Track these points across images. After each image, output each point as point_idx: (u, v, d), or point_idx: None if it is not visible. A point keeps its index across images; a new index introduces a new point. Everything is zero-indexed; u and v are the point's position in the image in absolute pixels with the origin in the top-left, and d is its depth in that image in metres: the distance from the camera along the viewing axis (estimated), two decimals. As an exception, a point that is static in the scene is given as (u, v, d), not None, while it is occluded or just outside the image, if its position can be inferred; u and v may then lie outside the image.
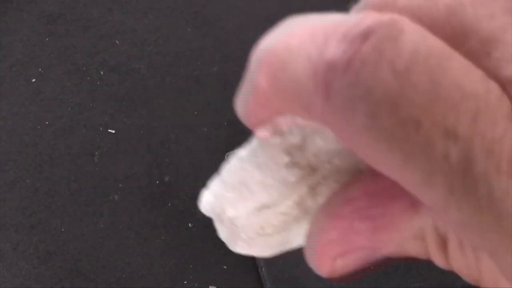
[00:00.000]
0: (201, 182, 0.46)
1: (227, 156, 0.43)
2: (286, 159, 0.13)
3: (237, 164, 0.13)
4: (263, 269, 0.42)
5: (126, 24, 0.45)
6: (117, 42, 0.45)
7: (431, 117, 0.10)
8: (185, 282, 0.42)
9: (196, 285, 0.42)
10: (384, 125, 0.10)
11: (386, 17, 0.10)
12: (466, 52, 0.11)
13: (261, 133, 0.13)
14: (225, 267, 0.42)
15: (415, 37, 0.10)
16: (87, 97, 0.44)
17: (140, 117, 0.44)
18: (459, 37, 0.11)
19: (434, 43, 0.10)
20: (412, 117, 0.10)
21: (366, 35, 0.10)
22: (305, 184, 0.13)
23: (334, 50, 0.10)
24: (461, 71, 0.10)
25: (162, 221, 0.42)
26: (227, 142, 0.44)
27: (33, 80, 0.44)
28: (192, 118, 0.44)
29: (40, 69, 0.44)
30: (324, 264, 0.14)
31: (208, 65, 0.45)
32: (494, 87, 0.10)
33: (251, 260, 0.43)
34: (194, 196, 0.43)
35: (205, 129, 0.44)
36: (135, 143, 0.43)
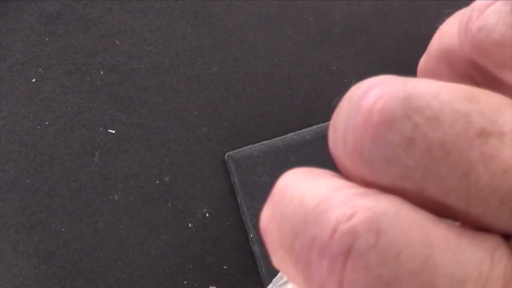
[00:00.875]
0: (201, 182, 0.46)
1: (227, 156, 0.43)
2: None
3: None
4: (263, 269, 0.42)
5: (126, 24, 0.45)
6: (117, 42, 0.45)
7: None
8: (185, 282, 0.42)
9: (196, 285, 0.42)
10: None
11: (359, 217, 0.10)
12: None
13: None
14: (225, 267, 0.42)
15: (393, 234, 0.10)
16: (87, 97, 0.44)
17: (140, 117, 0.44)
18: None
19: (413, 232, 0.10)
20: None
21: (345, 252, 0.10)
22: None
23: (319, 268, 0.10)
24: (447, 255, 0.10)
25: (162, 221, 0.42)
26: (226, 142, 0.44)
27: (33, 80, 0.44)
28: (192, 118, 0.44)
29: (40, 69, 0.44)
30: None
31: (208, 65, 0.45)
32: (486, 259, 0.10)
33: (252, 261, 0.43)
34: (194, 196, 0.43)
35: (205, 129, 0.44)
36: (135, 143, 0.43)
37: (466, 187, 0.10)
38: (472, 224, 0.11)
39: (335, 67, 0.47)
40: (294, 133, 0.44)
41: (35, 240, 0.41)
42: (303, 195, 0.11)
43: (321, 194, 0.11)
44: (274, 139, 0.43)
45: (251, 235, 0.42)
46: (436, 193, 0.10)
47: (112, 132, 0.43)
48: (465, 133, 0.10)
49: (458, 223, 0.11)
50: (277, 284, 0.17)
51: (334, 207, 0.10)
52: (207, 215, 0.43)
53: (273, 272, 0.42)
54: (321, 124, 0.44)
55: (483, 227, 0.11)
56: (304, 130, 0.44)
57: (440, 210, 0.10)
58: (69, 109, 0.44)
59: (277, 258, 0.12)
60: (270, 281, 0.42)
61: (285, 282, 0.16)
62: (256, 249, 0.42)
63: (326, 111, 0.45)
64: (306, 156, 0.42)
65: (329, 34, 0.47)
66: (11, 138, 0.43)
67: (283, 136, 0.44)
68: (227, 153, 0.43)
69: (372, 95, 0.11)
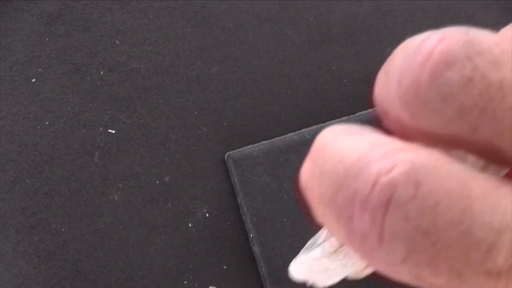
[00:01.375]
0: (201, 182, 0.46)
1: (226, 156, 0.43)
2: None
3: (315, 261, 0.16)
4: (263, 269, 0.42)
5: (126, 24, 0.45)
6: (117, 42, 0.45)
7: (470, 266, 0.09)
8: (185, 282, 0.42)
9: (196, 285, 0.42)
10: (429, 281, 0.10)
11: (398, 169, 0.10)
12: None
13: (331, 247, 0.15)
14: (225, 267, 0.42)
15: (432, 185, 0.10)
16: (87, 97, 0.44)
17: (140, 117, 0.44)
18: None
19: (451, 183, 0.10)
20: (453, 271, 0.10)
21: (385, 203, 0.10)
22: None
23: (360, 221, 0.10)
24: (485, 204, 0.10)
25: (162, 221, 0.42)
26: (226, 142, 0.44)
27: (33, 80, 0.44)
28: (192, 118, 0.44)
29: (40, 69, 0.44)
30: None
31: (208, 65, 0.45)
32: None
33: (251, 261, 0.43)
34: (194, 196, 0.43)
35: (205, 129, 0.44)
36: (135, 143, 0.43)
37: None
38: None
39: (335, 67, 0.47)
40: (294, 133, 0.44)
41: (35, 240, 0.41)
42: (343, 151, 0.11)
43: (361, 150, 0.11)
44: (274, 139, 0.43)
45: (251, 235, 0.42)
46: (488, 134, 0.11)
47: (112, 132, 0.43)
48: None
49: (503, 172, 0.12)
50: (306, 248, 0.17)
51: (374, 161, 0.10)
52: (207, 215, 0.43)
53: (273, 272, 0.42)
54: (321, 124, 0.44)
55: None
56: (304, 130, 0.44)
57: (489, 153, 0.11)
58: (69, 109, 0.44)
59: (319, 214, 0.12)
60: (270, 281, 0.42)
61: (313, 246, 0.17)
62: (256, 249, 0.42)
63: (326, 111, 0.45)
64: (306, 155, 0.42)
65: (329, 34, 0.47)
66: (11, 138, 0.43)
67: (283, 136, 0.44)
68: (227, 153, 0.43)
69: (434, 38, 0.11)
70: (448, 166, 0.10)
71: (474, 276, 0.10)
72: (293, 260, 0.18)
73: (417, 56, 0.11)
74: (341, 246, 0.16)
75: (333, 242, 0.16)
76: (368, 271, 0.16)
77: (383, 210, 0.10)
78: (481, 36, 0.11)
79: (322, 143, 0.13)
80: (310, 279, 0.17)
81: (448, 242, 0.10)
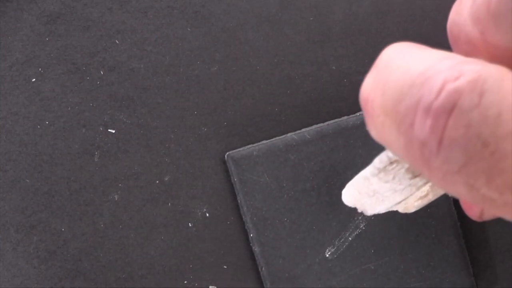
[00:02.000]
0: (201, 181, 0.46)
1: (226, 156, 0.43)
2: (408, 176, 0.14)
3: (364, 180, 0.16)
4: (263, 268, 0.42)
5: (126, 23, 0.45)
6: (117, 41, 0.45)
7: None
8: (185, 282, 0.42)
9: (196, 284, 0.42)
10: (483, 193, 0.10)
11: (465, 78, 0.10)
12: None
13: (381, 163, 0.15)
14: (225, 266, 0.42)
15: (497, 96, 0.10)
16: (87, 97, 0.44)
17: (140, 117, 0.44)
18: None
19: None
20: (508, 183, 0.09)
21: (449, 109, 0.10)
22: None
23: (422, 127, 0.10)
24: None
25: (162, 220, 0.42)
26: (226, 142, 0.44)
27: (33, 79, 0.44)
28: (192, 118, 0.44)
29: (40, 69, 0.44)
30: (473, 215, 0.19)
31: (208, 65, 0.45)
32: None
33: (252, 261, 0.43)
34: (194, 196, 0.43)
35: (205, 129, 0.44)
36: (135, 142, 0.43)
37: None
38: None
39: (335, 66, 0.47)
40: (294, 133, 0.44)
41: (35, 240, 0.41)
42: (410, 63, 0.11)
43: (429, 62, 0.11)
44: (274, 138, 0.43)
45: (251, 235, 0.42)
46: None
47: (112, 132, 0.43)
48: None
49: None
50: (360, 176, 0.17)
51: (441, 71, 0.10)
52: (207, 214, 0.43)
53: (273, 272, 0.42)
54: (321, 124, 0.44)
55: None
56: (304, 129, 0.44)
57: None
58: (69, 108, 0.44)
59: (378, 124, 0.12)
60: (270, 281, 0.42)
61: (364, 178, 0.17)
62: (256, 249, 0.42)
63: (326, 111, 0.45)
64: (306, 155, 0.42)
65: (329, 33, 0.47)
66: (10, 138, 0.43)
67: (283, 136, 0.44)
68: (227, 153, 0.43)
69: None
70: None
71: None
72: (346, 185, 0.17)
73: None
74: (391, 163, 0.16)
75: (383, 157, 0.16)
76: (418, 204, 0.16)
77: (446, 116, 0.10)
78: None
79: (387, 57, 0.12)
80: (359, 204, 0.17)
81: (506, 152, 0.10)
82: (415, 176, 0.15)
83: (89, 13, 0.45)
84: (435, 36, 0.47)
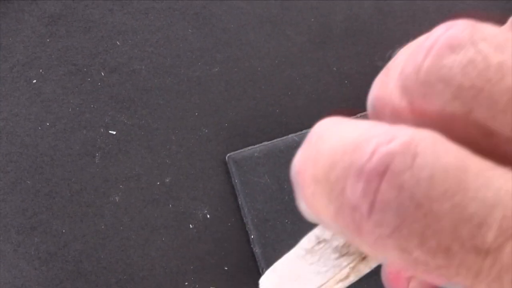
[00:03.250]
0: (202, 183, 0.45)
1: (227, 157, 0.43)
2: (335, 256, 0.14)
3: (288, 263, 0.15)
4: (264, 270, 0.42)
5: (127, 25, 0.45)
6: (118, 43, 0.45)
7: (459, 240, 0.09)
8: (186, 283, 0.42)
9: (197, 286, 0.42)
10: (416, 257, 0.10)
11: (397, 141, 0.10)
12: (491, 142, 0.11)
13: (309, 242, 0.14)
14: (226, 268, 0.42)
15: (430, 158, 0.10)
16: (88, 98, 0.44)
17: (140, 118, 0.44)
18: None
19: (448, 158, 0.10)
20: (441, 246, 0.10)
21: (381, 172, 0.10)
22: (358, 258, 0.15)
23: (353, 191, 0.10)
24: (480, 181, 0.10)
25: (163, 222, 0.42)
26: (227, 143, 0.44)
27: (34, 81, 0.44)
28: (193, 119, 0.44)
29: (41, 70, 0.44)
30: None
31: (209, 66, 0.45)
32: None
33: (252, 262, 0.43)
34: (195, 197, 0.43)
35: (206, 130, 0.44)
36: (136, 144, 0.43)
37: None
38: None
39: (336, 67, 0.47)
40: (295, 134, 0.44)
41: (36, 241, 0.41)
42: (343, 132, 0.11)
43: (362, 129, 0.11)
44: (275, 140, 0.43)
45: (252, 236, 0.42)
46: (483, 115, 0.11)
47: (113, 133, 0.43)
48: None
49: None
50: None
51: (374, 135, 0.10)
52: (208, 216, 0.43)
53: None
54: (322, 125, 0.44)
55: None
56: (305, 131, 0.44)
57: (482, 137, 0.11)
58: (70, 110, 0.44)
59: (308, 195, 0.12)
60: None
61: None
62: (257, 250, 0.42)
63: (326, 112, 0.45)
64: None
65: (330, 34, 0.47)
66: (12, 139, 0.43)
67: (284, 137, 0.43)
68: (228, 154, 0.43)
69: (443, 27, 0.12)
70: (446, 143, 0.10)
71: (461, 251, 0.10)
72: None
73: (425, 43, 0.11)
74: (319, 243, 0.16)
75: (311, 237, 0.16)
76: (340, 286, 0.16)
77: (378, 178, 0.10)
78: (486, 26, 0.11)
79: (320, 129, 0.13)
80: None
81: (439, 214, 0.10)
82: (342, 255, 0.15)
83: (90, 15, 0.45)
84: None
